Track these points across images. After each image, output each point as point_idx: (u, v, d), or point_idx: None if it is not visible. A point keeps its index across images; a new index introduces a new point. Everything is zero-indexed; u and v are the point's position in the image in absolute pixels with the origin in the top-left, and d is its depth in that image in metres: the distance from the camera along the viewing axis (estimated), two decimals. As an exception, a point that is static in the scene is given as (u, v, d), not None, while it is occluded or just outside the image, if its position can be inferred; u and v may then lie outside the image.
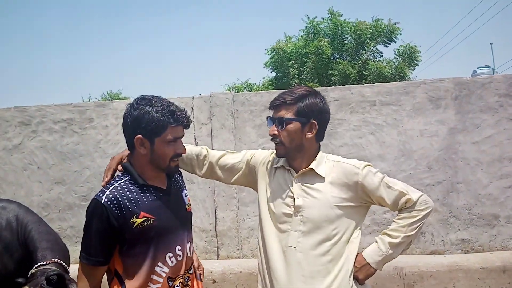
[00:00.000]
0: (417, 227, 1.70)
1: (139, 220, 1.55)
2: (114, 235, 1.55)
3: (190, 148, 1.96)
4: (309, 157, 1.77)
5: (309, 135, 1.72)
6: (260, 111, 4.21)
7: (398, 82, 4.30)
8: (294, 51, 14.80)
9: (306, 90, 1.76)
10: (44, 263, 2.62)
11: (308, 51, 14.41)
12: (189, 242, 1.73)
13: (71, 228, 4.23)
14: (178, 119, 1.59)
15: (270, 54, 15.36)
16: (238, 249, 4.11)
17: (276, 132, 1.74)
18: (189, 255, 1.71)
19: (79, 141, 4.29)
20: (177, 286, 1.64)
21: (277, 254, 1.72)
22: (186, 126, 1.66)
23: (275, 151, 1.81)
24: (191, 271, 1.74)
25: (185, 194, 1.80)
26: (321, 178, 1.72)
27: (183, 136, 1.66)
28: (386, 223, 4.00)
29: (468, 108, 4.03)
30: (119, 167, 1.72)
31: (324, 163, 1.76)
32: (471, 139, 4.00)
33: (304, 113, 1.71)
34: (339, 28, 14.80)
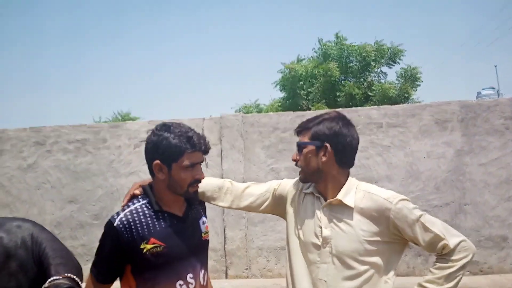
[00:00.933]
0: (456, 277, 1.52)
1: (148, 246, 1.57)
2: (124, 257, 1.58)
3: (212, 181, 1.93)
4: (335, 184, 1.68)
5: (324, 159, 1.65)
6: (269, 132, 4.30)
7: (404, 104, 4.40)
8: (304, 72, 15.02)
9: (327, 114, 1.71)
10: (58, 277, 2.68)
11: (317, 72, 14.62)
12: (202, 271, 1.70)
13: (82, 247, 4.28)
14: (195, 145, 1.60)
15: (282, 73, 15.61)
16: (246, 269, 4.14)
17: (296, 157, 1.72)
18: (202, 283, 1.69)
19: (93, 161, 4.39)
20: None
21: (307, 287, 1.65)
22: (205, 152, 1.66)
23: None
24: None
25: (203, 222, 1.77)
26: (349, 209, 1.62)
27: (201, 162, 1.65)
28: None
29: (475, 130, 4.09)
30: (139, 190, 1.74)
31: (354, 192, 1.65)
32: (478, 161, 4.05)
33: (318, 136, 1.66)
34: (345, 51, 15.04)
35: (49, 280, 2.62)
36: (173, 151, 1.58)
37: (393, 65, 15.31)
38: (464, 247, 1.53)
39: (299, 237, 1.72)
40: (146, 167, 1.69)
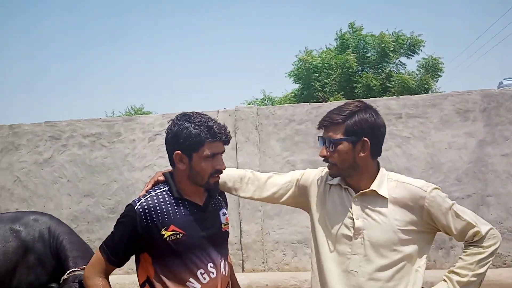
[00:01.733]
0: (486, 263, 1.55)
1: (168, 233, 1.55)
2: (140, 242, 1.57)
3: (233, 172, 1.90)
4: (367, 175, 1.65)
5: (362, 154, 1.60)
6: (285, 125, 4.22)
7: (424, 94, 4.27)
8: (320, 64, 14.84)
9: (355, 106, 1.64)
10: (76, 269, 2.70)
11: (334, 63, 14.43)
12: (223, 261, 1.68)
13: (99, 240, 4.30)
14: (215, 134, 1.58)
15: (296, 64, 15.44)
16: (263, 262, 4.09)
17: (326, 154, 1.65)
18: (224, 273, 1.67)
19: (107, 155, 4.39)
20: None
21: (336, 278, 1.62)
22: (226, 142, 1.63)
23: (327, 169, 1.71)
24: None
25: (223, 213, 1.75)
26: (383, 199, 1.60)
27: (222, 152, 1.63)
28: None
29: (497, 120, 3.94)
30: (161, 177, 1.73)
31: (386, 182, 1.64)
32: (500, 152, 3.91)
33: (354, 131, 1.59)
34: (362, 41, 14.81)
35: (68, 272, 2.65)
36: (194, 141, 1.56)
37: (412, 56, 15.03)
38: (493, 234, 1.57)
39: (326, 229, 1.69)
40: (160, 160, 1.68)
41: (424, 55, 14.67)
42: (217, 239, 1.67)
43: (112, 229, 1.63)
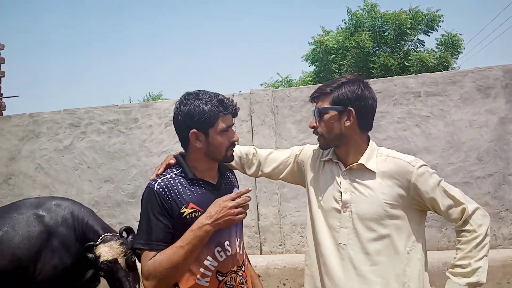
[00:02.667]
0: (485, 245, 1.53)
1: (188, 211, 1.56)
2: (170, 219, 1.56)
3: (239, 148, 1.94)
4: (356, 149, 1.67)
5: (347, 123, 1.63)
6: (300, 106, 4.19)
7: (443, 71, 4.15)
8: (336, 45, 14.58)
9: (345, 78, 1.68)
10: (108, 234, 2.82)
11: (348, 44, 14.16)
12: (238, 239, 1.71)
13: (120, 225, 4.37)
14: (227, 107, 1.61)
15: (313, 46, 15.22)
16: (281, 245, 4.12)
17: (315, 124, 1.70)
18: (238, 251, 1.69)
19: (125, 141, 4.44)
20: (228, 281, 1.62)
21: (329, 251, 1.65)
22: (235, 114, 1.66)
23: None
24: (243, 268, 1.71)
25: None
26: (371, 173, 1.62)
27: (233, 124, 1.66)
28: (435, 217, 3.88)
29: (520, 96, 3.83)
30: (172, 161, 1.73)
31: (375, 157, 1.65)
32: (524, 129, 3.80)
33: (340, 101, 1.63)
34: (378, 19, 14.45)
35: (101, 236, 2.77)
36: (208, 116, 1.57)
37: (431, 33, 14.59)
38: (482, 213, 1.56)
39: (319, 203, 1.72)
40: (177, 145, 1.69)
41: (443, 31, 14.26)
42: None
43: (141, 217, 1.60)
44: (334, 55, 14.55)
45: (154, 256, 1.52)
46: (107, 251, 2.67)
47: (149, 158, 4.38)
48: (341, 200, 1.64)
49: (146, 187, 1.61)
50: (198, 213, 1.57)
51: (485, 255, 1.53)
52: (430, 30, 14.52)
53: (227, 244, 1.64)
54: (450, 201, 1.57)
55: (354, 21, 14.76)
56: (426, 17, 14.28)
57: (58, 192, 4.42)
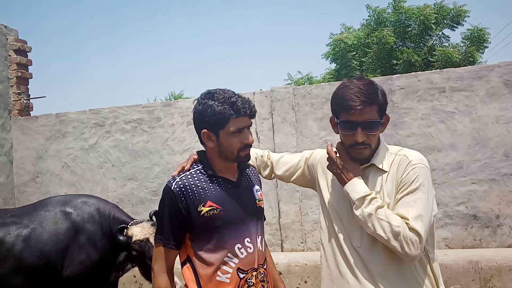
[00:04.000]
0: (378, 226, 1.47)
1: (205, 209, 1.58)
2: (183, 221, 1.60)
3: (255, 150, 1.95)
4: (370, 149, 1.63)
5: (383, 129, 1.63)
6: (322, 104, 4.16)
7: (469, 66, 4.05)
8: (356, 42, 14.41)
9: (371, 82, 1.61)
10: (137, 220, 2.92)
11: (370, 41, 13.97)
12: (260, 236, 1.70)
13: (143, 222, 4.46)
14: (239, 110, 1.59)
15: (331, 46, 15.08)
16: (302, 242, 4.11)
17: (365, 138, 1.56)
18: (260, 249, 1.68)
19: (149, 140, 4.51)
20: (249, 279, 1.62)
21: (344, 254, 1.63)
22: (252, 116, 1.64)
23: (355, 155, 1.62)
24: (265, 266, 1.71)
25: (257, 190, 1.77)
26: (381, 173, 1.60)
27: (249, 126, 1.65)
28: (460, 216, 3.80)
29: (550, 90, 3.70)
30: (195, 156, 1.75)
31: (386, 156, 1.63)
32: (553, 124, 3.67)
33: (383, 109, 1.59)
34: (402, 15, 14.18)
35: (130, 223, 2.87)
36: (218, 118, 1.59)
37: (456, 28, 14.23)
38: (416, 240, 1.44)
39: (333, 207, 1.70)
40: (199, 144, 1.72)
41: (469, 26, 13.91)
42: (253, 214, 1.70)
43: (159, 213, 1.67)
44: (354, 52, 14.36)
45: (162, 252, 1.63)
46: (139, 231, 2.77)
47: (172, 156, 4.43)
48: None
49: (166, 183, 1.65)
50: (217, 211, 1.59)
51: (376, 219, 1.48)
52: (455, 25, 14.16)
53: (247, 241, 1.64)
54: (408, 208, 1.48)
55: (376, 17, 14.53)
56: (452, 11, 13.94)
57: (84, 190, 4.53)
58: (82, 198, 3.15)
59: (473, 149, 3.79)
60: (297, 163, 1.90)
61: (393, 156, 1.62)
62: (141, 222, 2.88)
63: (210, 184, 1.64)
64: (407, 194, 1.51)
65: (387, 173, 1.59)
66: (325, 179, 1.77)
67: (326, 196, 1.74)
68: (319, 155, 1.85)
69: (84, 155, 4.65)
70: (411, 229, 1.45)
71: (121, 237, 2.80)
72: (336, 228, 1.67)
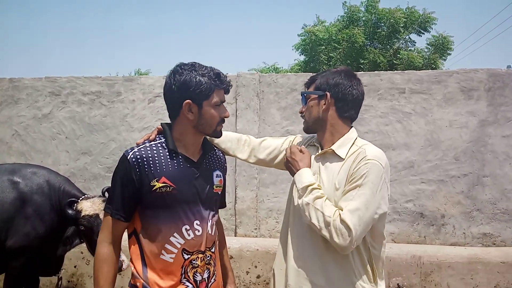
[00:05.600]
0: (313, 215, 1.55)
1: (158, 185, 1.54)
2: (135, 193, 1.55)
3: (230, 134, 1.97)
4: (332, 135, 1.73)
5: (324, 107, 1.72)
6: (286, 93, 4.18)
7: (430, 70, 4.19)
8: (326, 36, 14.56)
9: (334, 69, 1.79)
10: (89, 195, 2.85)
11: (340, 37, 14.16)
12: (211, 221, 1.67)
13: (95, 198, 4.34)
14: (222, 82, 1.60)
15: (303, 36, 15.16)
16: (256, 229, 4.14)
17: (302, 109, 1.81)
18: (210, 233, 1.65)
19: (107, 114, 4.37)
20: (194, 260, 1.60)
21: (293, 232, 1.73)
22: (227, 91, 1.65)
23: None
24: (213, 250, 1.69)
25: (217, 175, 1.73)
26: (340, 160, 1.66)
27: (225, 101, 1.66)
28: (407, 212, 3.95)
29: (501, 100, 3.89)
30: (159, 127, 1.70)
31: (349, 145, 1.69)
32: (501, 133, 3.88)
33: (320, 86, 1.74)
34: (374, 15, 14.47)
35: (81, 197, 2.80)
36: (205, 88, 1.56)
37: (423, 33, 14.72)
38: (345, 233, 1.49)
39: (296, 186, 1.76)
40: (159, 122, 1.67)
41: (435, 32, 14.41)
42: (207, 198, 1.67)
43: (111, 181, 1.62)
44: (324, 46, 14.53)
45: (110, 222, 1.58)
46: (89, 206, 2.71)
47: (130, 133, 4.33)
48: None
49: (124, 153, 1.60)
50: (169, 188, 1.55)
51: (305, 206, 1.58)
52: (422, 31, 14.64)
53: (197, 224, 1.61)
54: (348, 202, 1.54)
55: (349, 15, 14.74)
56: (421, 17, 14.38)
57: (34, 160, 4.34)
58: (32, 168, 3.03)
59: (426, 150, 3.95)
60: (279, 147, 1.94)
61: (356, 148, 1.67)
62: (92, 197, 2.81)
63: (169, 160, 1.59)
64: (354, 188, 1.56)
65: (344, 162, 1.65)
66: None
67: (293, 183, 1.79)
68: (299, 140, 1.93)
69: (37, 124, 4.44)
70: (342, 221, 1.51)
71: (70, 211, 2.73)
72: (290, 214, 1.76)
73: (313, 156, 1.76)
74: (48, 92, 4.43)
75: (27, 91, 4.46)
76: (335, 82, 1.72)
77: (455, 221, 3.91)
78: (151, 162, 1.56)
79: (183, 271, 1.58)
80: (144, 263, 1.58)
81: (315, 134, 1.84)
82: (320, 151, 1.75)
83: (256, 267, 3.83)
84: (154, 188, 1.54)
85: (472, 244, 3.86)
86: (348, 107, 1.74)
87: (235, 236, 4.15)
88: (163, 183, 1.55)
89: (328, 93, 1.70)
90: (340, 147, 1.68)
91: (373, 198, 1.54)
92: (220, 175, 1.75)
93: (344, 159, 1.65)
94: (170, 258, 1.57)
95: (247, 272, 3.84)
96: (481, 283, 3.60)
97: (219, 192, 1.75)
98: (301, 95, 1.80)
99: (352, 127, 1.77)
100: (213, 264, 1.68)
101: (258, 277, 3.83)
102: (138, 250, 1.59)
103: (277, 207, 4.13)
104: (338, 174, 1.64)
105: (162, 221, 1.56)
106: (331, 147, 1.70)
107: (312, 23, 15.53)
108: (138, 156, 1.56)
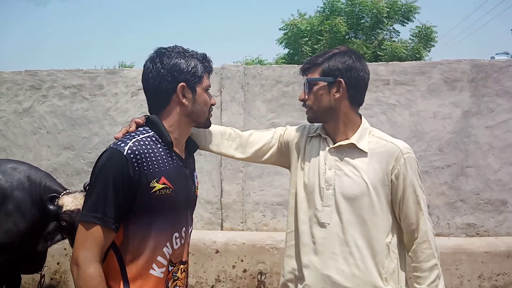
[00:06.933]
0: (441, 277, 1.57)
1: (158, 186, 1.31)
2: (131, 194, 1.28)
3: (213, 127, 1.74)
4: (346, 125, 1.60)
5: (337, 95, 1.56)
6: (271, 86, 4.15)
7: (414, 61, 4.21)
8: (309, 28, 14.54)
9: (337, 49, 1.61)
10: (71, 190, 2.81)
11: (322, 29, 14.15)
12: (191, 227, 1.51)
13: (78, 193, 4.27)
14: (211, 66, 1.49)
15: (284, 30, 15.12)
16: (242, 222, 4.13)
17: (304, 96, 1.62)
18: (188, 240, 1.49)
19: (89, 108, 4.29)
20: (175, 273, 1.41)
21: (311, 230, 1.58)
22: (210, 73, 1.52)
23: (308, 123, 1.70)
24: (187, 260, 1.51)
25: (196, 176, 1.58)
26: (362, 153, 1.55)
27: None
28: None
29: (484, 91, 3.93)
30: (139, 120, 1.47)
31: (367, 137, 1.59)
32: (484, 123, 3.92)
33: (330, 71, 1.55)
34: (356, 6, 14.48)
35: (63, 192, 2.75)
36: (197, 70, 1.42)
37: (406, 23, 14.81)
38: (436, 255, 1.58)
39: (304, 182, 1.64)
40: (143, 115, 1.53)
41: (418, 23, 14.51)
42: (192, 201, 1.54)
43: (96, 183, 1.29)
44: (307, 39, 14.51)
45: (103, 237, 1.24)
46: (70, 201, 2.67)
47: (113, 127, 4.25)
48: (325, 177, 1.57)
49: (112, 147, 1.31)
50: (169, 191, 1.34)
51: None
52: (406, 21, 14.73)
53: (183, 231, 1.44)
54: (415, 204, 1.53)
55: (330, 5, 14.74)
56: (403, 7, 14.45)
57: (15, 156, 4.24)
58: (12, 164, 2.96)
59: (410, 141, 3.97)
60: (269, 140, 1.78)
61: (375, 139, 1.59)
62: (73, 192, 2.76)
63: (164, 156, 1.36)
64: (411, 186, 1.53)
65: (368, 156, 1.55)
66: (299, 153, 1.71)
67: (299, 171, 1.68)
68: (293, 131, 1.77)
69: (17, 119, 4.33)
70: (428, 239, 1.57)
71: (51, 206, 2.69)
72: (305, 203, 1.62)
73: (322, 148, 1.62)
74: (29, 85, 4.32)
75: (6, 85, 4.34)
76: (347, 66, 1.55)
77: (439, 212, 3.95)
78: (148, 159, 1.31)
79: (165, 287, 1.37)
80: (126, 282, 1.29)
81: (312, 124, 1.71)
82: (331, 143, 1.61)
83: (242, 261, 3.82)
84: (154, 190, 1.30)
85: (456, 235, 3.91)
86: (360, 93, 1.62)
87: (221, 230, 4.14)
88: (163, 184, 1.32)
89: (342, 80, 1.54)
90: (360, 139, 1.57)
91: (424, 193, 1.59)
92: (197, 175, 1.61)
93: (366, 152, 1.55)
94: (161, 273, 1.34)
95: (233, 266, 3.83)
96: (466, 273, 3.66)
97: (197, 194, 1.59)
98: (306, 82, 1.60)
99: (361, 115, 1.67)
100: (186, 275, 1.52)
101: (244, 271, 3.83)
102: (117, 267, 1.30)
103: (263, 200, 4.12)
104: (368, 170, 1.53)
105: (156, 229, 1.33)
106: (350, 141, 1.57)
107: (292, 18, 15.44)
108: (136, 152, 1.29)
